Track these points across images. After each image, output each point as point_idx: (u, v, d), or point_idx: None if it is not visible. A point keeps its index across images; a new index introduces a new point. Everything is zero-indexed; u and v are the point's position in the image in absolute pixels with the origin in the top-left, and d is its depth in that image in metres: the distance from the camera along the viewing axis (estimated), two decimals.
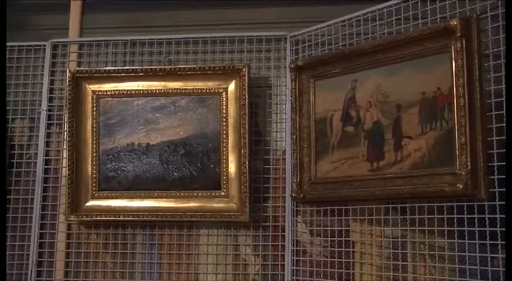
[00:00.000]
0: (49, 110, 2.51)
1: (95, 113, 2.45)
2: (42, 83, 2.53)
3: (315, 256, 2.29)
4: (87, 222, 2.44)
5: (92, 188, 2.43)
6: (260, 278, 2.35)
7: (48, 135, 2.50)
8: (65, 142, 2.44)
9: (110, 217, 2.40)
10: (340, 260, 2.18)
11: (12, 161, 2.50)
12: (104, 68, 2.46)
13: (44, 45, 2.54)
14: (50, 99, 2.51)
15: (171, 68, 2.40)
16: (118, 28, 2.56)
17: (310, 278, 2.26)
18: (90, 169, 2.43)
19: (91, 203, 2.43)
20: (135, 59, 2.51)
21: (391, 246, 2.08)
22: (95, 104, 2.45)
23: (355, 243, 2.23)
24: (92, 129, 2.44)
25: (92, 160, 2.43)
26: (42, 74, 2.53)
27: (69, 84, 2.43)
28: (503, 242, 1.68)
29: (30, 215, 2.45)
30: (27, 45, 2.56)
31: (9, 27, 2.48)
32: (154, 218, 2.38)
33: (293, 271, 2.29)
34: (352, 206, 2.17)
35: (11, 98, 2.53)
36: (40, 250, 2.43)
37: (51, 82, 2.53)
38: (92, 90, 2.46)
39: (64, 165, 2.44)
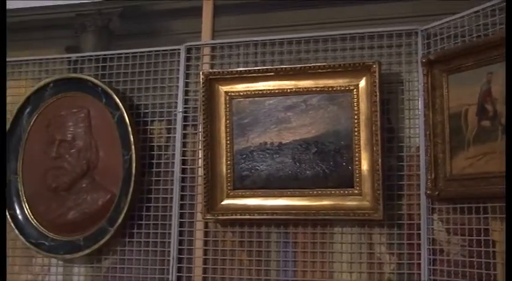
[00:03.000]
0: (185, 112, 3.01)
1: (228, 113, 2.91)
2: (177, 86, 3.04)
3: (453, 255, 2.56)
4: (223, 220, 2.90)
5: (227, 187, 2.88)
6: (395, 277, 2.66)
7: (184, 136, 3.00)
8: (200, 142, 2.93)
9: (244, 215, 2.83)
10: (480, 261, 2.42)
11: (152, 161, 3.04)
12: (236, 69, 2.90)
13: (179, 49, 3.05)
14: (185, 101, 3.02)
15: (301, 67, 2.79)
16: (248, 29, 3.03)
17: (448, 278, 2.52)
18: (224, 168, 2.89)
19: (226, 202, 2.89)
20: (266, 59, 2.94)
21: None
22: (227, 105, 2.92)
23: (495, 242, 2.44)
24: (226, 130, 2.90)
25: (226, 159, 2.89)
26: (178, 77, 3.04)
27: (202, 86, 2.90)
28: None
29: (170, 213, 2.96)
30: (163, 50, 3.09)
31: (145, 34, 3.09)
32: (288, 217, 2.77)
33: (430, 271, 2.58)
34: (491, 203, 2.41)
35: (150, 101, 3.10)
36: (180, 247, 2.92)
37: (186, 85, 3.03)
38: (225, 92, 2.93)
39: (200, 165, 2.93)
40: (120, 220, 2.95)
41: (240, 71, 2.90)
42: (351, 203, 2.71)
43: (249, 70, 2.89)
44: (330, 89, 2.76)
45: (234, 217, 2.87)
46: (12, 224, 3.13)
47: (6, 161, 3.11)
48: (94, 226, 3.03)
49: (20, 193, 3.19)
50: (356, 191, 2.70)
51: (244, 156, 2.87)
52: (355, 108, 2.72)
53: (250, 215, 2.84)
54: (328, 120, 2.75)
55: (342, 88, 2.75)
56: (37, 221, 3.15)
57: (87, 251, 3.02)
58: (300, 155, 2.78)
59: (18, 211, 3.16)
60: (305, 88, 2.80)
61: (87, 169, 3.07)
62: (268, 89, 2.86)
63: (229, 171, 2.89)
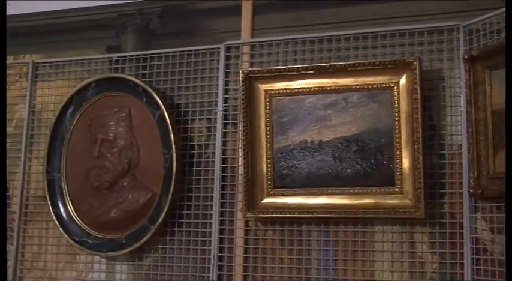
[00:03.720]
0: (225, 111, 3.09)
1: (267, 112, 2.97)
2: (217, 85, 3.12)
3: (497, 254, 2.58)
4: (263, 219, 2.97)
5: (267, 185, 2.95)
6: (438, 276, 2.70)
7: (224, 134, 3.08)
8: (240, 141, 3.00)
9: (285, 213, 2.89)
10: None
11: (192, 160, 3.13)
12: (275, 68, 2.97)
13: (218, 48, 3.13)
14: (225, 100, 3.10)
15: (341, 65, 2.83)
16: (287, 27, 3.09)
17: (492, 278, 2.54)
18: (264, 166, 2.95)
19: (267, 200, 2.95)
20: (305, 57, 3.00)
21: None
22: (267, 103, 2.98)
23: None
24: (266, 128, 2.97)
25: (266, 158, 2.95)
26: (217, 76, 3.12)
27: (242, 85, 2.97)
28: None
29: (210, 212, 3.04)
30: (203, 49, 3.18)
31: (185, 33, 3.19)
32: (328, 215, 2.83)
33: (473, 270, 2.60)
34: None
35: (190, 100, 3.19)
36: (220, 245, 3.00)
37: (226, 83, 3.11)
38: (265, 90, 2.99)
39: (240, 163, 3.01)
40: (161, 219, 3.05)
41: (280, 69, 2.97)
42: (392, 201, 2.75)
43: (289, 68, 2.95)
44: (370, 86, 2.81)
45: (274, 215, 2.93)
46: (57, 222, 3.26)
47: (6, 161, 3.20)
48: (135, 224, 3.14)
49: (64, 191, 3.31)
50: (397, 190, 2.74)
51: (284, 154, 2.93)
52: (396, 105, 2.76)
53: (290, 214, 2.90)
54: (369, 118, 2.80)
55: (382, 85, 2.79)
56: (80, 219, 3.27)
57: (129, 249, 3.12)
58: (341, 153, 2.84)
59: (62, 209, 3.29)
60: (345, 86, 2.85)
61: (128, 167, 3.18)
62: (308, 87, 2.92)
63: (269, 169, 2.96)
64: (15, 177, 3.50)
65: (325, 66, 2.88)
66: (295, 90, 2.94)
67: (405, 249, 2.78)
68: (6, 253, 3.02)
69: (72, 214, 3.28)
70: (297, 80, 2.94)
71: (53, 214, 3.27)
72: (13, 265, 3.39)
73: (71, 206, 3.29)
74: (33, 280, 3.40)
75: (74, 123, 3.34)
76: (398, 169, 2.74)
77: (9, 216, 3.46)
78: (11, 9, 3.62)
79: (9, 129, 3.58)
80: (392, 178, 2.76)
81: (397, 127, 2.75)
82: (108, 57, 3.40)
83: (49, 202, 3.30)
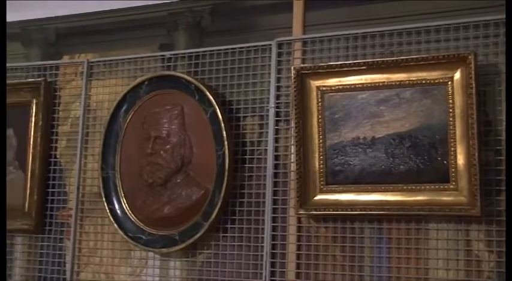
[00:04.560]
0: (277, 107, 3.14)
1: (319, 108, 3.00)
2: (269, 81, 3.17)
3: None
4: (316, 216, 3.01)
5: (320, 182, 2.98)
6: (495, 275, 2.69)
7: (276, 131, 3.13)
8: (293, 137, 3.05)
9: (337, 210, 2.92)
10: None
11: (244, 157, 3.20)
12: (327, 64, 3.00)
13: (270, 45, 3.18)
14: (277, 97, 3.15)
15: (393, 60, 2.85)
16: (339, 23, 3.13)
17: None
18: (317, 163, 2.99)
19: (319, 197, 2.99)
20: (358, 52, 3.02)
21: None
22: (319, 100, 3.01)
23: None
24: (318, 125, 3.00)
25: (318, 154, 2.99)
26: (269, 73, 3.17)
27: (294, 81, 3.01)
28: None
29: (263, 208, 3.10)
30: (254, 46, 3.23)
31: (236, 30, 3.25)
32: (381, 212, 2.85)
33: None
34: None
35: (242, 97, 3.26)
36: (273, 242, 3.06)
37: (278, 80, 3.15)
38: (316, 86, 3.03)
39: (292, 160, 3.05)
40: (214, 215, 3.12)
41: (332, 65, 3.00)
42: (446, 198, 2.75)
43: (341, 64, 2.98)
44: (424, 81, 2.82)
45: (327, 212, 2.97)
46: (112, 218, 3.37)
47: (5, 160, 3.29)
48: (189, 221, 3.22)
49: (118, 188, 3.42)
50: (452, 187, 2.74)
51: (337, 151, 2.97)
52: (450, 101, 2.76)
53: (343, 211, 2.93)
54: (422, 113, 2.81)
55: (436, 81, 2.79)
56: (134, 215, 3.37)
57: (182, 246, 3.21)
58: (394, 150, 2.85)
59: (116, 206, 3.40)
60: (398, 81, 2.86)
61: (181, 164, 3.26)
62: (360, 83, 2.94)
63: (321, 166, 2.99)
64: (72, 174, 3.64)
65: (377, 61, 2.90)
66: (348, 87, 2.97)
67: (461, 247, 2.77)
68: (6, 253, 3.12)
69: (126, 210, 3.38)
70: (349, 76, 2.96)
71: (108, 211, 3.39)
72: (71, 260, 3.52)
73: (125, 202, 3.40)
74: (89, 274, 3.51)
75: (128, 121, 3.44)
76: (453, 166, 2.74)
77: (66, 212, 3.59)
78: (65, 11, 3.77)
79: (65, 128, 3.71)
80: (446, 174, 2.75)
81: (451, 123, 2.74)
82: (161, 55, 3.49)
83: (104, 199, 3.42)
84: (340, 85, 2.98)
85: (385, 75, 2.89)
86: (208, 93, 3.19)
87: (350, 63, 2.96)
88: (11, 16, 3.89)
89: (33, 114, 3.68)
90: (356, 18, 3.11)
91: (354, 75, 2.95)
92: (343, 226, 2.98)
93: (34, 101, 3.69)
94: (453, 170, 2.74)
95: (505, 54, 2.72)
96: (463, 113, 2.72)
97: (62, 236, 3.61)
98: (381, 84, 2.90)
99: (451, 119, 2.75)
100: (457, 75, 2.75)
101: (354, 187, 2.93)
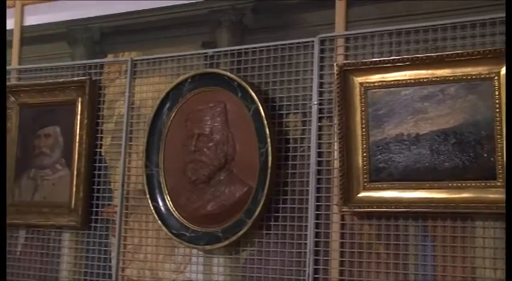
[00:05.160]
0: (319, 104, 3.15)
1: (363, 105, 3.00)
2: (312, 78, 3.19)
3: None
4: (359, 213, 3.01)
5: (363, 179, 2.99)
6: None
7: (319, 128, 3.14)
8: (336, 134, 3.06)
9: (381, 208, 2.92)
10: None
11: (287, 154, 3.22)
12: (370, 60, 3.00)
13: (312, 42, 3.20)
14: (320, 94, 3.16)
15: (438, 55, 2.83)
16: (382, 19, 3.11)
17: None
18: (360, 160, 2.99)
19: (363, 194, 2.99)
20: (401, 48, 3.01)
21: None
22: (362, 96, 3.01)
23: None
24: (361, 121, 3.00)
25: (362, 151, 2.99)
26: (312, 70, 3.19)
27: (337, 78, 3.02)
28: None
29: (306, 206, 3.12)
30: (297, 43, 3.25)
31: (278, 27, 3.28)
32: (426, 210, 2.83)
33: None
34: None
35: (284, 94, 3.28)
36: (316, 240, 3.08)
37: (321, 76, 3.16)
38: (360, 83, 3.03)
39: (335, 157, 3.07)
40: (257, 212, 3.15)
41: (375, 61, 3.00)
42: (493, 196, 2.72)
43: (384, 60, 2.98)
44: (469, 77, 2.79)
45: (370, 209, 2.97)
46: (156, 216, 3.43)
47: (5, 159, 3.36)
48: (232, 218, 3.26)
49: (162, 185, 3.48)
50: (499, 184, 2.71)
51: (380, 148, 2.97)
52: (496, 97, 2.73)
53: (387, 208, 2.92)
54: (467, 109, 2.79)
55: (482, 76, 2.77)
56: (178, 212, 3.42)
57: (225, 243, 3.24)
58: (438, 146, 2.84)
59: (160, 203, 3.46)
60: (442, 77, 2.85)
61: (224, 162, 3.30)
62: (404, 79, 2.93)
63: (365, 163, 3.00)
64: (116, 171, 3.71)
65: (421, 57, 2.89)
66: (391, 83, 2.96)
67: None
68: (6, 253, 3.24)
69: (170, 207, 3.44)
70: (392, 72, 2.96)
71: (152, 208, 3.45)
72: (116, 256, 3.60)
73: (169, 200, 3.45)
74: (134, 271, 3.59)
75: (171, 118, 3.49)
76: (499, 163, 2.71)
77: (111, 209, 3.67)
78: (110, 10, 3.84)
79: (109, 126, 3.79)
80: (493, 171, 2.73)
81: (498, 119, 2.72)
82: (204, 53, 3.53)
83: (148, 196, 3.48)
84: (384, 81, 2.98)
85: (429, 71, 2.88)
86: (250, 91, 3.21)
87: (393, 59, 2.96)
88: (57, 16, 4.02)
89: (79, 112, 3.77)
90: (399, 14, 3.09)
91: (398, 71, 2.94)
92: (387, 223, 2.98)
93: (79, 100, 3.78)
94: (500, 167, 2.71)
95: None
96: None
97: (107, 233, 3.69)
98: (425, 80, 2.89)
99: (497, 115, 2.73)
100: (504, 70, 2.71)
101: (398, 184, 2.92)
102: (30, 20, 4.25)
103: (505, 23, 2.11)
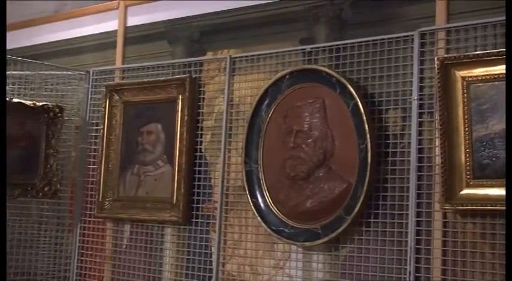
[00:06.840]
0: (420, 99, 3.13)
1: (465, 99, 2.96)
2: (412, 73, 3.17)
3: None
4: (462, 211, 2.97)
5: (466, 176, 2.94)
6: None
7: (420, 124, 3.13)
8: (437, 130, 3.03)
9: (485, 206, 2.87)
10: None
11: (387, 150, 3.22)
12: (473, 53, 2.96)
13: (412, 35, 3.18)
14: (421, 88, 3.14)
15: None
16: (485, 10, 3.05)
17: None
18: (463, 156, 2.95)
19: (466, 191, 2.95)
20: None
21: None
22: (465, 91, 2.97)
23: None
24: (464, 116, 2.96)
25: (464, 147, 2.95)
26: (412, 64, 3.17)
27: (438, 72, 2.99)
28: None
29: (406, 203, 3.11)
30: (396, 37, 3.24)
31: (377, 21, 3.29)
32: None
33: None
34: None
35: (384, 89, 3.28)
36: (417, 237, 3.06)
37: (421, 71, 3.15)
38: (462, 77, 2.98)
39: (437, 153, 3.03)
40: (356, 209, 3.17)
41: (478, 54, 2.95)
42: None
43: (488, 53, 2.92)
44: None
45: (474, 207, 2.93)
46: (255, 212, 3.52)
47: (5, 159, 3.43)
48: (331, 215, 3.29)
49: (261, 181, 3.56)
50: None
51: (484, 143, 2.92)
52: None
53: (492, 206, 2.87)
54: None
55: None
56: (277, 209, 3.49)
57: (325, 240, 3.28)
58: None
59: (260, 199, 3.54)
60: None
61: (323, 158, 3.34)
62: None
63: (468, 159, 2.96)
64: (216, 168, 3.83)
65: None
66: (496, 76, 2.91)
67: None
68: (6, 252, 3.28)
69: (269, 203, 3.51)
70: (497, 65, 2.89)
71: (251, 204, 3.54)
72: (216, 252, 3.71)
73: (268, 196, 3.53)
74: (234, 266, 3.69)
75: (270, 115, 3.56)
76: None
77: (212, 205, 3.78)
78: (209, 8, 3.96)
79: (209, 122, 3.92)
80: None
81: None
82: (302, 49, 3.58)
83: (247, 192, 3.57)
84: (487, 75, 2.93)
85: None
86: (349, 86, 3.24)
87: (498, 52, 2.89)
88: (158, 16, 4.18)
89: (179, 109, 3.91)
90: (502, 5, 3.02)
91: (502, 64, 2.87)
92: (493, 222, 2.92)
93: (180, 97, 3.92)
94: None
95: None
96: None
97: (208, 228, 3.81)
98: None
99: None
100: None
101: (504, 181, 2.85)
102: (133, 21, 4.43)
103: (506, 24, 2.03)
